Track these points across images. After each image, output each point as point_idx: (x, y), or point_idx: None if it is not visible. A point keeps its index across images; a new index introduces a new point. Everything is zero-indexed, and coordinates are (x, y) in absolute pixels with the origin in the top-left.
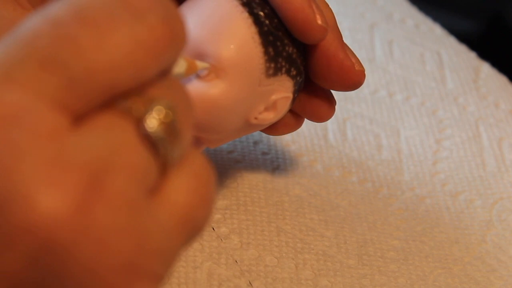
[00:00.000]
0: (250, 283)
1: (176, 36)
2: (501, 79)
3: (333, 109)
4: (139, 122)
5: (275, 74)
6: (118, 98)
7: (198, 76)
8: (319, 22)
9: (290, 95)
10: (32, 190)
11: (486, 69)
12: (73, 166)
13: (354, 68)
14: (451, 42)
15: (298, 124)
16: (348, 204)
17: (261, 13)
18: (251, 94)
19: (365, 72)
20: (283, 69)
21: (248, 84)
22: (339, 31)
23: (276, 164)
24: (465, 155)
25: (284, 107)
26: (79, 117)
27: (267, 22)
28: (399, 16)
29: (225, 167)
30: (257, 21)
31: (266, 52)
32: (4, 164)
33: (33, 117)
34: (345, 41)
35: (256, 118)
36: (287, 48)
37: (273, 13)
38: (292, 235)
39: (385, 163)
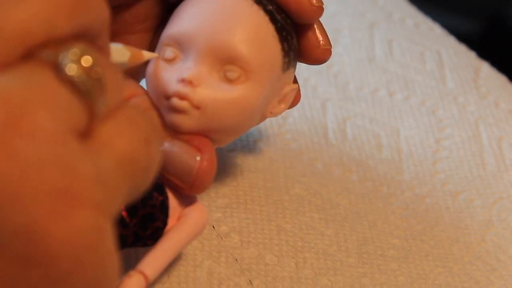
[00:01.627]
0: (250, 281)
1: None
2: (501, 78)
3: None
4: (58, 67)
5: (288, 68)
6: (37, 51)
7: (229, 80)
8: (315, 2)
9: (296, 85)
10: None
11: (486, 68)
12: None
13: (320, 47)
14: (451, 42)
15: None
16: (348, 203)
17: (273, 9)
18: (271, 91)
19: (331, 51)
20: (292, 62)
21: (271, 82)
22: None
23: (276, 163)
24: (465, 154)
25: (291, 97)
26: None
27: (279, 17)
28: (399, 16)
29: (225, 166)
30: (272, 18)
31: (283, 49)
32: None
33: None
34: (345, 40)
35: (271, 113)
36: (293, 40)
37: (278, 7)
38: (292, 233)
39: (385, 163)
